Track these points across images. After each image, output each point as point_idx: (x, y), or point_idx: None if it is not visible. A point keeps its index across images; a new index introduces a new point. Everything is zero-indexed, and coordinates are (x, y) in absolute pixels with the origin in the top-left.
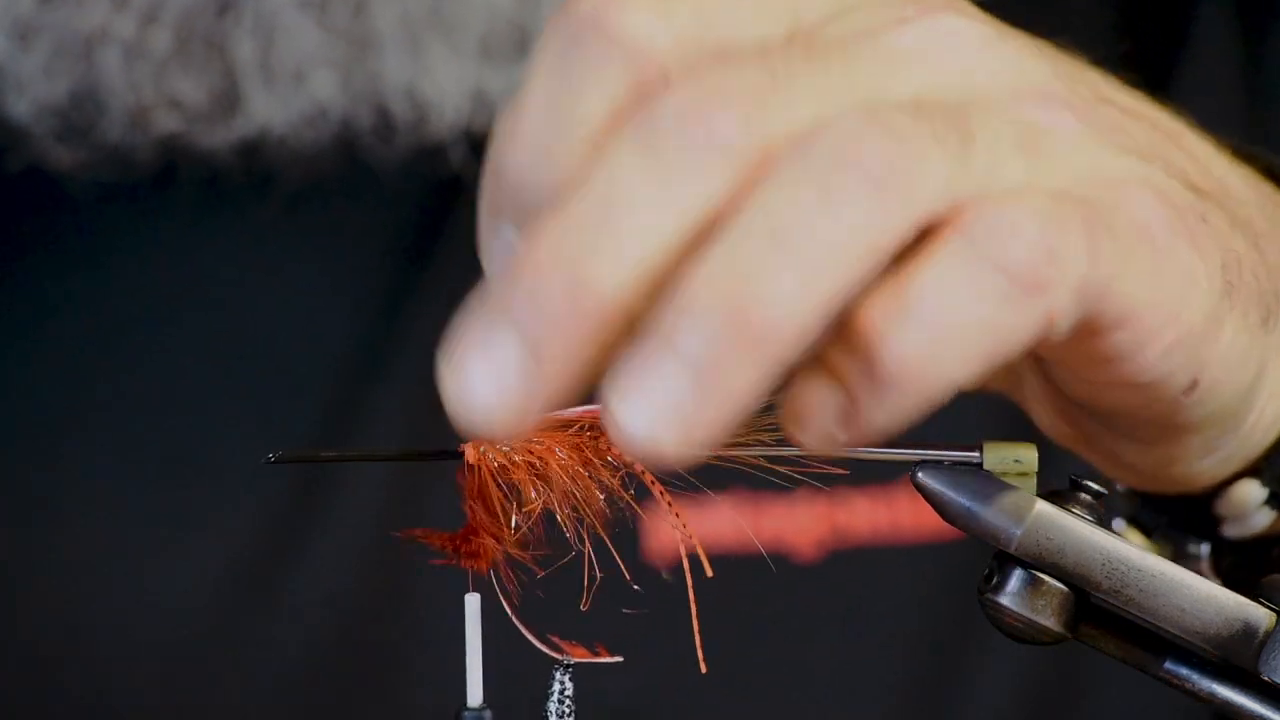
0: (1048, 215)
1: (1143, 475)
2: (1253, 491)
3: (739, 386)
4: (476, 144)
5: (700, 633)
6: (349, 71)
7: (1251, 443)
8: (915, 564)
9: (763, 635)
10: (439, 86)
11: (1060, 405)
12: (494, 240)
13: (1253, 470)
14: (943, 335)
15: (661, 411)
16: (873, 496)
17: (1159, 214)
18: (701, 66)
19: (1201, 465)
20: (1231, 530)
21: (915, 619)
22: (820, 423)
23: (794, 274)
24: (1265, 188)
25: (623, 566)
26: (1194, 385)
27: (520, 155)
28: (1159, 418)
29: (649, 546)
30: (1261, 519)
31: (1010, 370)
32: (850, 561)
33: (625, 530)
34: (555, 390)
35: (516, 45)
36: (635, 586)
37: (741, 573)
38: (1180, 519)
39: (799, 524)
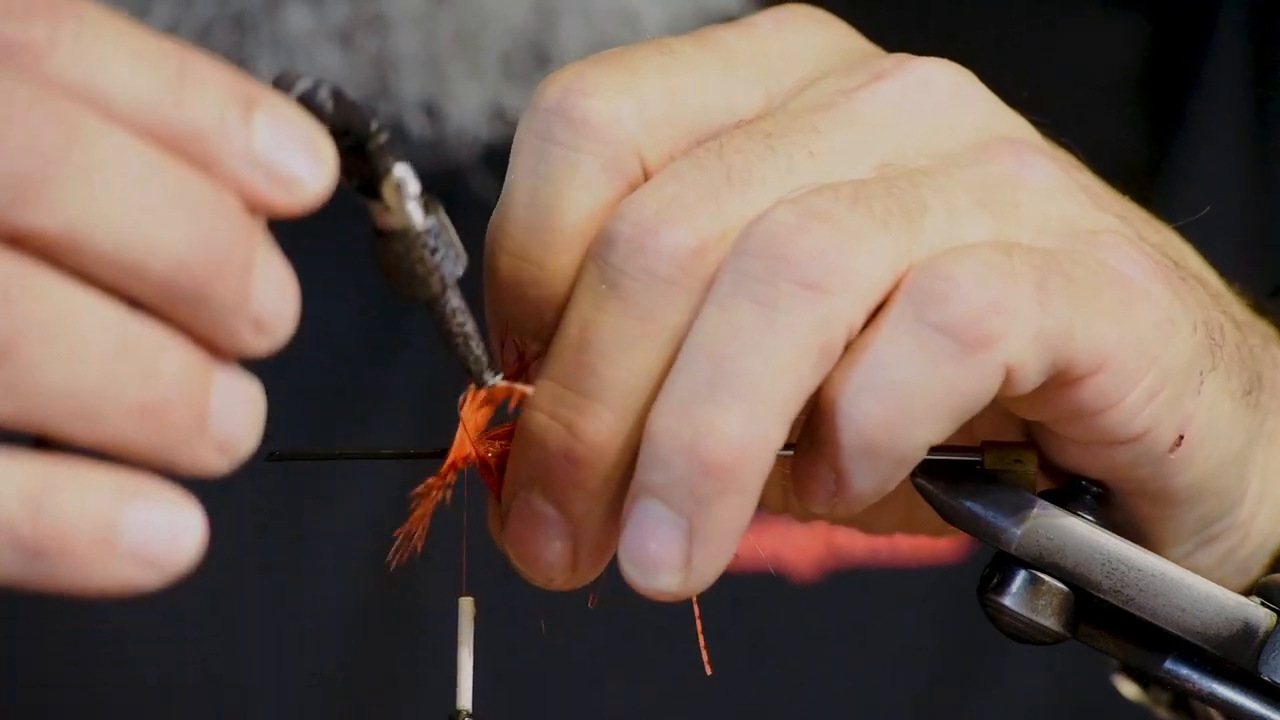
0: (989, 268)
1: None
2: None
3: (723, 519)
4: (495, 162)
5: (694, 647)
6: (369, 89)
7: (1248, 549)
8: (914, 585)
9: (760, 655)
10: (459, 105)
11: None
12: (500, 350)
13: (1258, 589)
14: (900, 402)
15: (658, 560)
16: None
17: (1135, 259)
18: (659, 175)
19: (1198, 558)
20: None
21: (914, 640)
22: (818, 499)
23: (742, 402)
24: (1243, 304)
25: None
26: (1179, 441)
27: (510, 265)
28: (1148, 484)
29: None
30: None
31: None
32: (849, 582)
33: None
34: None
35: (536, 63)
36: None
37: (740, 592)
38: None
39: (797, 543)
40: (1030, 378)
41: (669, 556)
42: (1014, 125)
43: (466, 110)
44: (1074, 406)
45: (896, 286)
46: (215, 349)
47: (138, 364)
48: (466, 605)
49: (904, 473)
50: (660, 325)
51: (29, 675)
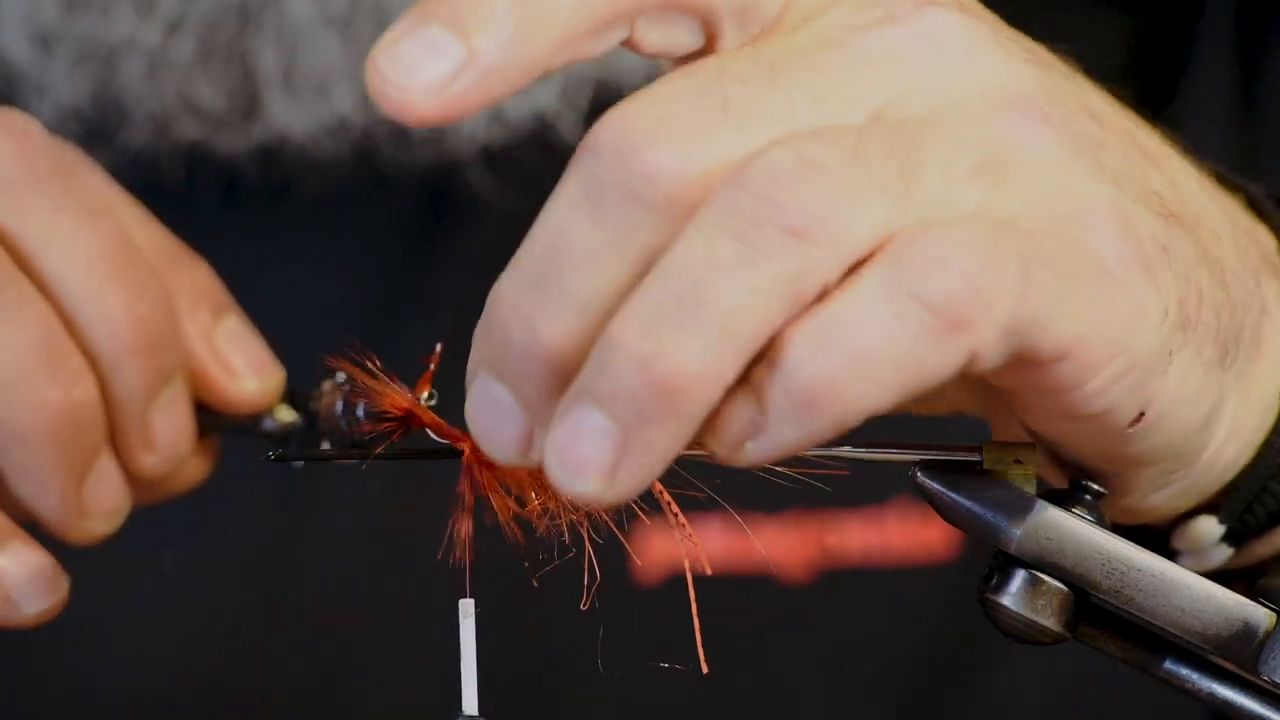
0: (981, 250)
1: None
2: (1210, 527)
3: (658, 440)
4: (492, 160)
5: (688, 650)
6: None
7: (1208, 480)
8: (906, 587)
9: (752, 656)
10: None
11: (1008, 432)
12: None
13: (1210, 506)
14: (858, 364)
15: (584, 463)
16: (863, 518)
17: (1117, 247)
18: (653, 89)
19: (1155, 499)
20: (1188, 565)
21: (906, 642)
22: (731, 433)
23: (707, 332)
24: (1244, 220)
25: (628, 559)
26: (1140, 418)
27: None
28: (1106, 450)
29: (639, 566)
30: (1219, 555)
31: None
32: (840, 583)
33: (616, 550)
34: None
35: None
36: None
37: (732, 593)
38: None
39: (789, 545)
40: (992, 361)
41: (597, 463)
42: (1024, 81)
43: None
44: (1035, 385)
45: (879, 248)
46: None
47: None
48: (467, 607)
49: (825, 438)
50: (634, 245)
51: (18, 676)
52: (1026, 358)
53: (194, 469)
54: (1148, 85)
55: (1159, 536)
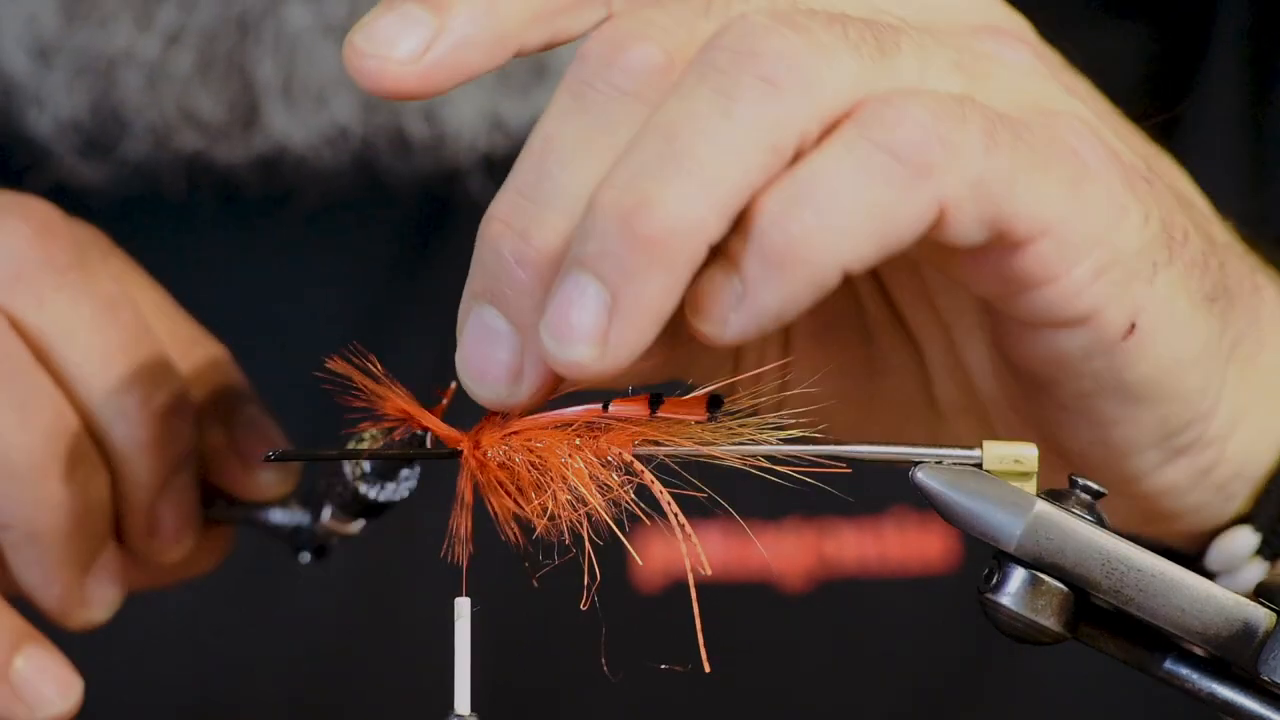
0: (942, 108)
1: (1104, 476)
2: (1243, 539)
3: (646, 297)
4: (492, 168)
5: (686, 657)
6: (369, 95)
7: (1225, 470)
8: (903, 596)
9: (750, 664)
10: (457, 110)
11: (1004, 380)
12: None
13: (1244, 516)
14: (830, 215)
15: (575, 330)
16: (861, 527)
17: (1092, 144)
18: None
19: (1169, 472)
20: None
21: (902, 650)
22: (716, 307)
23: (686, 180)
24: (1231, 233)
25: (628, 556)
26: (1131, 328)
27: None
28: (1104, 377)
29: (640, 573)
30: (1253, 573)
31: (953, 348)
32: (838, 592)
33: (615, 556)
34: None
35: (533, 73)
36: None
37: (730, 601)
38: None
39: (787, 554)
40: (967, 226)
41: (588, 328)
42: (1013, 22)
43: (464, 114)
44: (1016, 275)
45: (852, 113)
46: None
47: None
48: (463, 605)
49: (810, 298)
50: (620, 136)
51: None
52: (1003, 234)
53: (202, 558)
54: (1161, 94)
55: (1193, 562)
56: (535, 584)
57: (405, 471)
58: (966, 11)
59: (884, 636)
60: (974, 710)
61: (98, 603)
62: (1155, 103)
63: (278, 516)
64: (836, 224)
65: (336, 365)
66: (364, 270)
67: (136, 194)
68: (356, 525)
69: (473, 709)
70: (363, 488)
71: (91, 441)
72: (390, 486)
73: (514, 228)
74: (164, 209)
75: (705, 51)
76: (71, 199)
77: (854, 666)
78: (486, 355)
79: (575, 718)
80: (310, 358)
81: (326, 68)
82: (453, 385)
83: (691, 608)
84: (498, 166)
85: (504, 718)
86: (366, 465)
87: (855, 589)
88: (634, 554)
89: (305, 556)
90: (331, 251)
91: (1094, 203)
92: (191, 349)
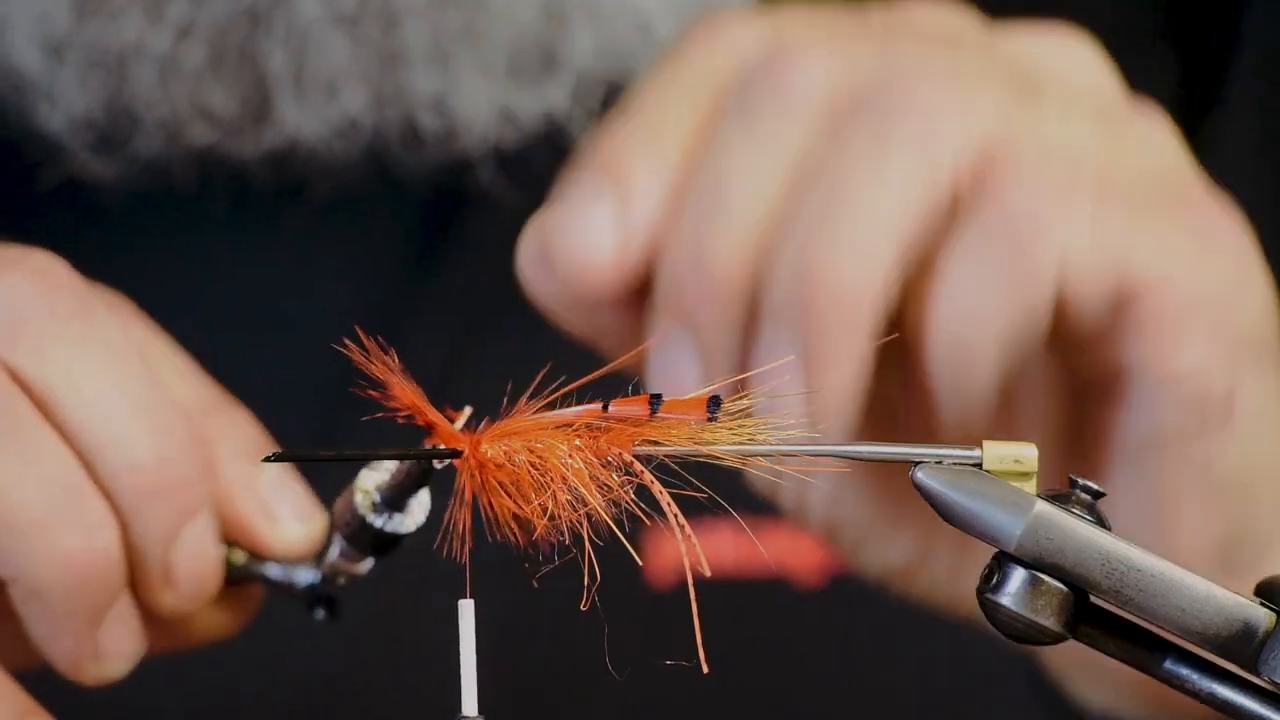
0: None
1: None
2: None
3: (842, 351)
4: (503, 160)
5: (701, 650)
6: (379, 85)
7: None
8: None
9: (765, 659)
10: (467, 102)
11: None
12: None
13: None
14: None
15: (787, 387)
16: None
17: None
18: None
19: None
20: None
21: (916, 645)
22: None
23: (855, 233)
24: None
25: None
26: (1228, 406)
27: None
28: (1191, 456)
29: (649, 571)
30: None
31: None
32: (853, 587)
33: (626, 554)
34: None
35: (543, 66)
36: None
37: (745, 596)
38: None
39: (801, 549)
40: (1091, 291)
41: (795, 383)
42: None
43: (475, 107)
44: (1134, 321)
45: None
46: None
47: None
48: (467, 608)
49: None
50: (787, 155)
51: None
52: (1123, 288)
53: (226, 619)
54: (1188, 110)
55: None
56: (535, 584)
57: (414, 502)
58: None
59: (898, 630)
60: (989, 701)
61: (112, 657)
62: (1178, 124)
63: (302, 576)
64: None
65: (351, 351)
66: (374, 264)
67: (147, 190)
68: (365, 565)
69: (479, 711)
70: (370, 516)
71: (98, 493)
72: (399, 518)
73: (691, 250)
74: (175, 204)
75: (864, 95)
76: (83, 195)
77: (868, 660)
78: (676, 367)
79: (585, 715)
80: (320, 352)
81: (337, 59)
82: (467, 410)
83: (705, 605)
84: (508, 159)
85: (509, 715)
86: (377, 495)
87: (870, 583)
88: (634, 554)
89: (320, 613)
90: (342, 245)
91: (1212, 272)
92: (212, 411)
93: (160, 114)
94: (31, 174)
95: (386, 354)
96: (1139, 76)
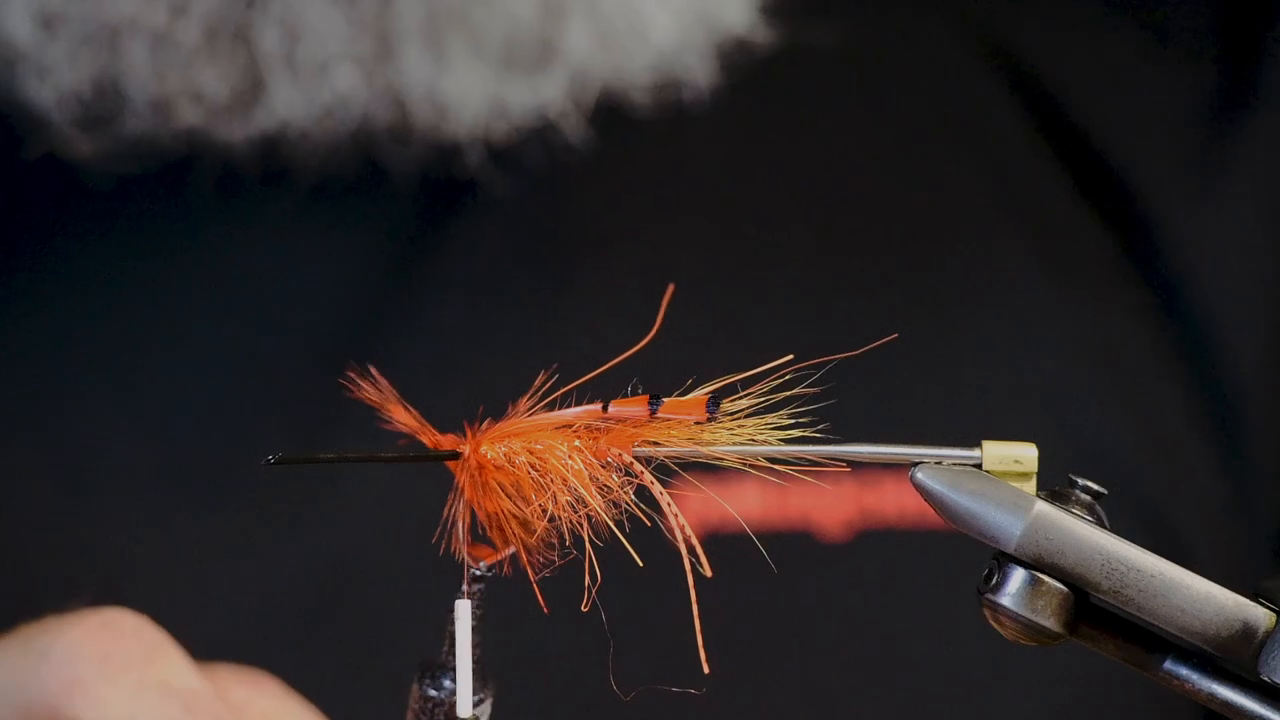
0: None
1: None
2: None
3: None
4: (493, 150)
5: (725, 612)
6: (371, 67)
7: None
8: (943, 546)
9: (789, 614)
10: (459, 89)
11: None
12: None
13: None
14: None
15: None
16: (901, 478)
17: None
18: None
19: None
20: None
21: (942, 601)
22: None
23: None
24: None
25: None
26: None
27: None
28: None
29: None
30: None
31: None
32: (879, 542)
33: (635, 528)
34: None
35: (538, 57)
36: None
37: (769, 551)
38: None
39: (827, 504)
40: None
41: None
42: None
43: (467, 96)
44: None
45: None
46: None
47: None
48: (463, 608)
49: None
50: None
51: None
52: None
53: None
54: (1214, 123)
55: None
56: (535, 585)
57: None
58: None
59: (924, 586)
60: (1015, 657)
61: None
62: (1202, 140)
63: None
64: None
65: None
66: (361, 250)
67: (131, 170)
68: None
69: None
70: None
71: None
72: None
73: None
74: (159, 185)
75: None
76: (65, 170)
77: (893, 616)
78: None
79: (601, 673)
80: (306, 337)
81: (329, 37)
82: (509, 551)
83: (728, 567)
84: (497, 148)
85: (505, 715)
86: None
87: (895, 539)
88: (634, 555)
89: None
90: (329, 231)
91: None
92: None
93: (150, 93)
94: (18, 147)
95: (375, 343)
96: (1159, 93)
